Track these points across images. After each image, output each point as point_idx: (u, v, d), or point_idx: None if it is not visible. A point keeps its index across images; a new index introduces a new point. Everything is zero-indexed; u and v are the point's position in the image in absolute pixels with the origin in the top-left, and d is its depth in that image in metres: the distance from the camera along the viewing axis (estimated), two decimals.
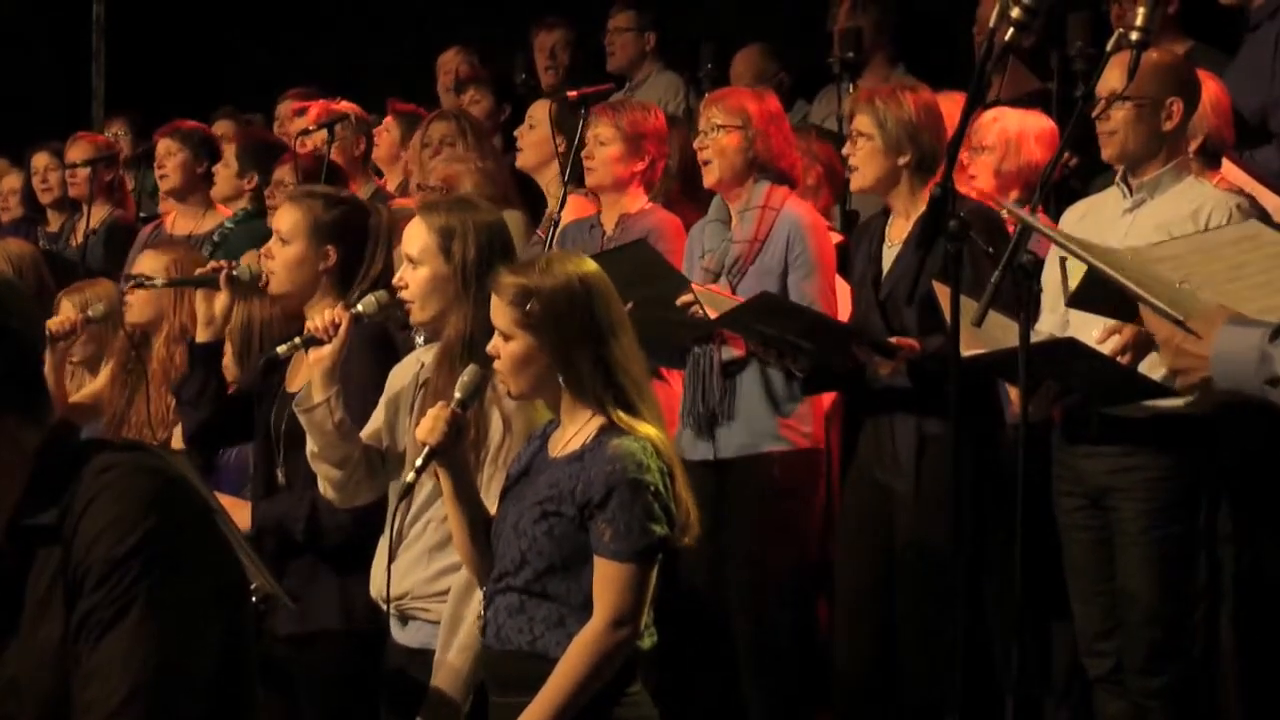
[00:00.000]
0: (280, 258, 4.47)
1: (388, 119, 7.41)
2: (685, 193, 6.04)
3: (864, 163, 5.07)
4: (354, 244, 4.49)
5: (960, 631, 4.20)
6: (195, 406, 4.60)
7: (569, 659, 3.46)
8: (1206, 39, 6.34)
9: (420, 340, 4.29)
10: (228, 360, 4.86)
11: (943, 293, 4.43)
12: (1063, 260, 4.47)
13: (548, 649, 3.49)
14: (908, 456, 4.99)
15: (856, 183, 5.16)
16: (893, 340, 4.91)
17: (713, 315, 5.02)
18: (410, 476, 3.67)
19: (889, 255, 5.12)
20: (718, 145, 5.41)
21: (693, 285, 5.17)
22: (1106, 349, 4.36)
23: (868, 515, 5.11)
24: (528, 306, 3.52)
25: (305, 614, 4.40)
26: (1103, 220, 4.71)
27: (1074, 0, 6.42)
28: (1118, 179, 4.76)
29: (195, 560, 2.43)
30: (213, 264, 4.67)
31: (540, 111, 6.57)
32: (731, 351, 5.33)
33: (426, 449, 3.62)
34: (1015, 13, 3.85)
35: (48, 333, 5.29)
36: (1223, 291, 2.85)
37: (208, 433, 4.64)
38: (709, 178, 5.47)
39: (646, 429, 3.51)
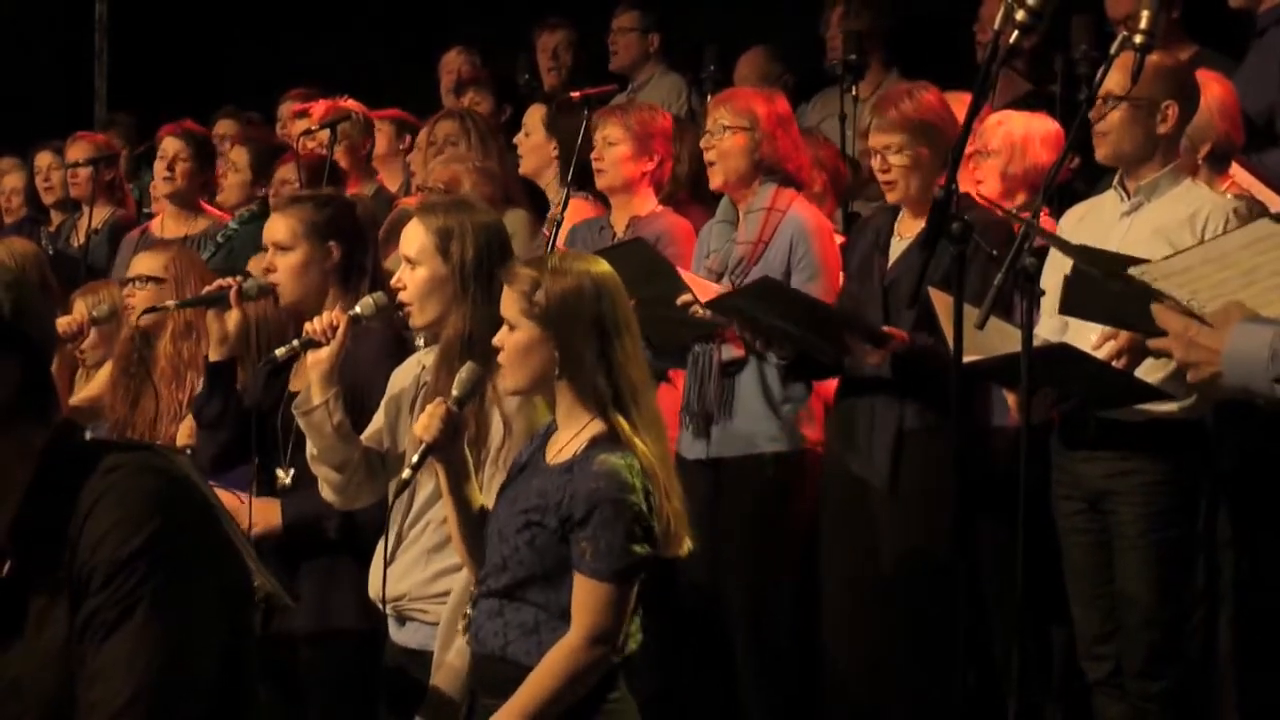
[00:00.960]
0: (284, 266, 4.53)
1: (378, 121, 7.43)
2: (694, 195, 6.06)
3: (904, 176, 5.09)
4: (352, 239, 4.58)
5: (961, 634, 4.23)
6: (217, 429, 4.63)
7: (542, 670, 3.48)
8: (1212, 44, 6.37)
9: (420, 342, 4.33)
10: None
11: (939, 300, 4.46)
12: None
13: (518, 656, 3.52)
14: (883, 450, 5.03)
15: (896, 196, 5.15)
16: (885, 329, 4.95)
17: (703, 299, 5.05)
18: (406, 473, 3.69)
19: (897, 248, 5.16)
20: (722, 147, 5.44)
21: (679, 271, 5.20)
22: (1102, 353, 4.40)
23: (849, 510, 5.14)
24: (536, 295, 3.56)
25: (325, 612, 4.46)
26: (1101, 223, 4.75)
27: (1077, 3, 6.45)
28: (1115, 182, 4.81)
29: (200, 561, 2.45)
30: (220, 282, 4.69)
31: (534, 117, 6.62)
32: (731, 351, 5.37)
33: (423, 445, 3.65)
34: (1020, 15, 3.90)
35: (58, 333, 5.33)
36: (1236, 300, 2.85)
37: (231, 452, 4.66)
38: (715, 180, 5.50)
39: (637, 441, 3.53)
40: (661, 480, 3.53)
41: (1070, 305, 4.10)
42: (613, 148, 5.80)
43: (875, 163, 5.17)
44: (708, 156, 5.50)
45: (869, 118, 5.26)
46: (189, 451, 4.67)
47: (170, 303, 4.96)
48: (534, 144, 6.57)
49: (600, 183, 5.90)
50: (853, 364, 5.07)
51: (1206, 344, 2.78)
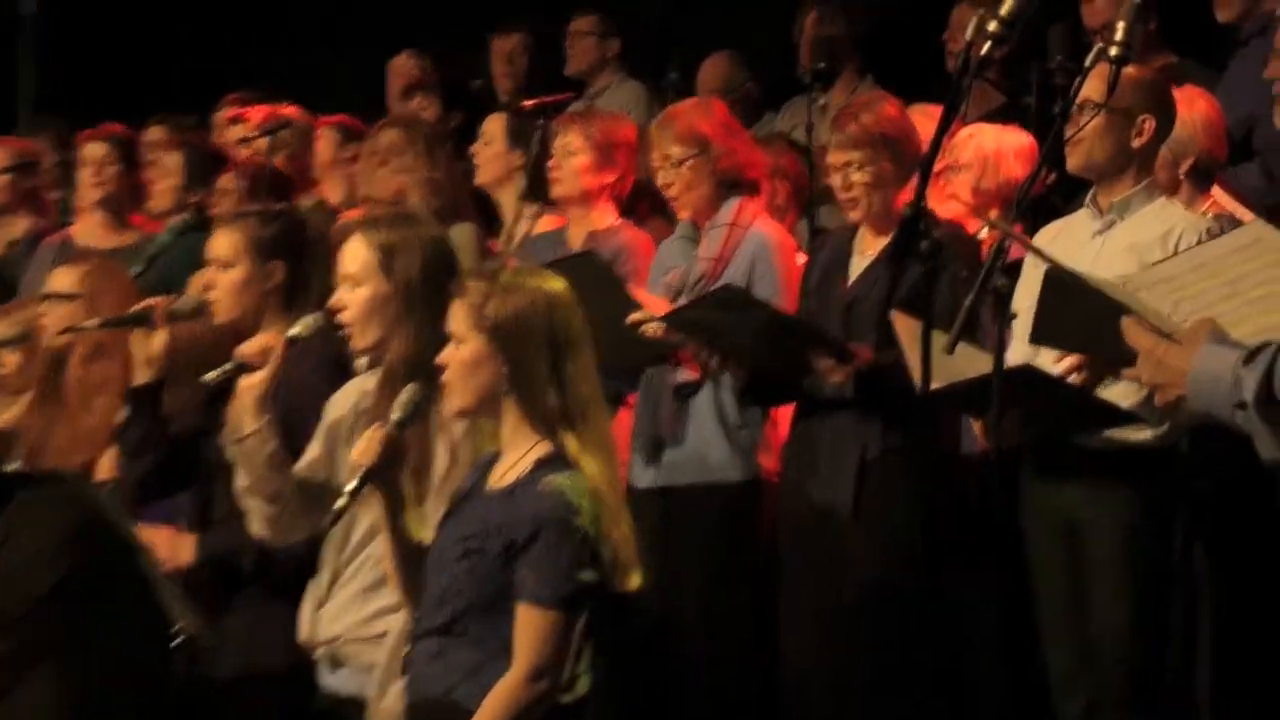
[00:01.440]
0: (223, 283, 4.55)
1: (321, 127, 7.43)
2: (655, 207, 6.09)
3: (867, 194, 5.14)
4: (299, 258, 4.59)
5: (932, 666, 4.24)
6: (139, 456, 4.60)
7: (484, 712, 3.47)
8: (1192, 55, 6.43)
9: (362, 365, 4.33)
10: None
11: (902, 324, 4.49)
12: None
13: (461, 700, 3.51)
14: (846, 476, 5.05)
15: (859, 214, 5.20)
16: (850, 345, 4.98)
17: (658, 314, 5.08)
18: (343, 500, 3.68)
19: (857, 265, 5.20)
20: (684, 180, 5.46)
21: (632, 289, 5.23)
22: (1061, 367, 4.43)
23: (810, 541, 5.15)
24: (486, 308, 3.58)
25: (250, 655, 4.42)
26: (1073, 243, 4.79)
27: (1052, 12, 6.49)
28: (1088, 200, 4.85)
29: (115, 600, 2.46)
30: (148, 301, 4.68)
31: (494, 126, 6.61)
32: (685, 374, 5.39)
33: (361, 470, 3.66)
34: (992, 26, 3.92)
35: None
36: (1216, 313, 2.86)
37: (154, 482, 4.63)
38: (683, 212, 5.55)
39: (587, 462, 3.54)
40: (610, 504, 3.54)
41: (1042, 333, 4.13)
42: (572, 157, 5.86)
43: (836, 180, 5.21)
44: (668, 192, 5.53)
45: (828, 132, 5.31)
46: (111, 484, 4.65)
47: (90, 322, 4.92)
48: (494, 153, 6.57)
49: (555, 192, 5.95)
50: (813, 384, 5.09)
51: (1174, 364, 2.80)
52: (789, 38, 7.96)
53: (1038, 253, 3.91)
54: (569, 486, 3.50)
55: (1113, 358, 3.45)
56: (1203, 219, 4.83)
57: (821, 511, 5.12)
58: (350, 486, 3.67)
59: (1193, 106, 5.12)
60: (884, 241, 5.13)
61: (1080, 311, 3.40)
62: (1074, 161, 4.80)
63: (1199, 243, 4.54)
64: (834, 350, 4.97)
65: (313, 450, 4.23)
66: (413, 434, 3.81)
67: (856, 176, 5.13)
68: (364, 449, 3.67)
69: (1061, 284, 3.75)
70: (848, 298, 5.15)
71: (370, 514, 3.91)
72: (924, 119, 5.29)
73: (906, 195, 4.95)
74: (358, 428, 4.05)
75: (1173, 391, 2.82)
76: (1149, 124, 4.75)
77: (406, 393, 3.74)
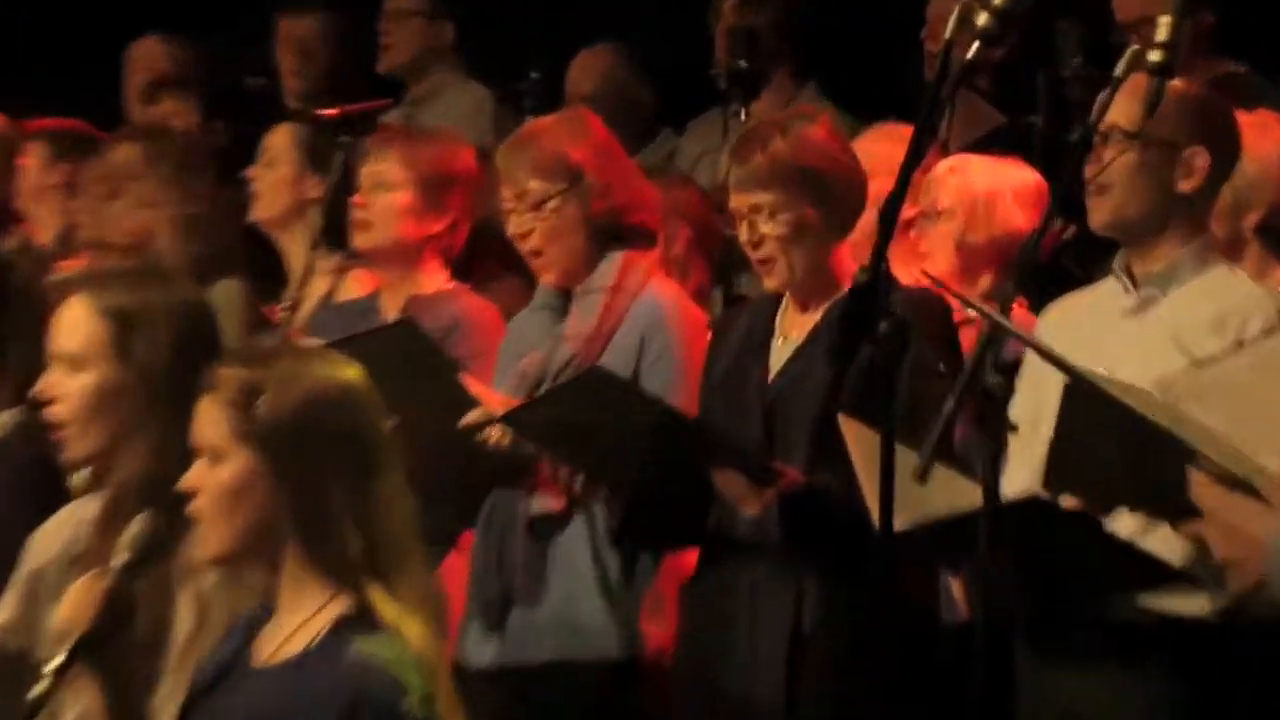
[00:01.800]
0: None
1: (28, 139, 7.36)
2: (507, 263, 6.11)
3: (784, 251, 5.16)
4: None
5: None
6: None
7: None
8: (1263, 66, 6.49)
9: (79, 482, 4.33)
10: None
11: (853, 435, 4.48)
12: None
13: None
14: (772, 655, 5.02)
15: (776, 281, 5.21)
16: (773, 464, 4.98)
17: (499, 411, 5.14)
18: (44, 682, 3.67)
19: (780, 351, 5.22)
20: (546, 226, 5.49)
21: (463, 378, 5.27)
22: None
23: None
24: (254, 409, 3.56)
25: None
26: (1096, 326, 4.79)
27: (1066, 2, 6.54)
28: (1117, 265, 4.85)
29: None
30: None
31: (281, 140, 6.65)
32: (545, 501, 5.40)
33: (71, 639, 3.64)
34: (983, 19, 3.91)
35: None
36: None
37: None
38: (548, 274, 5.58)
39: (407, 624, 3.52)
40: (445, 682, 3.55)
41: (1062, 476, 4.10)
42: (387, 193, 5.94)
43: (742, 233, 5.23)
44: (526, 246, 5.57)
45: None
46: None
47: None
48: (279, 180, 6.63)
49: (360, 240, 6.01)
50: (721, 518, 5.10)
51: (1253, 533, 2.76)
52: (701, 27, 7.99)
53: (1045, 353, 3.89)
54: (390, 657, 3.50)
55: (1165, 512, 3.36)
56: (1276, 296, 4.83)
57: (738, 707, 5.09)
58: (55, 662, 3.66)
59: (1266, 136, 5.15)
60: (813, 319, 5.17)
61: (1112, 441, 3.36)
62: (1099, 218, 4.80)
63: (1267, 331, 4.55)
64: (750, 468, 4.98)
65: (4, 609, 4.20)
66: (145, 585, 3.79)
67: (767, 228, 5.14)
68: (75, 608, 3.67)
69: (1085, 401, 3.72)
70: (769, 394, 5.16)
71: (81, 700, 3.87)
72: (889, 144, 5.33)
73: (847, 254, 5.01)
74: (68, 577, 4.01)
75: (1251, 572, 2.78)
76: (1200, 159, 4.76)
77: (138, 525, 3.74)
